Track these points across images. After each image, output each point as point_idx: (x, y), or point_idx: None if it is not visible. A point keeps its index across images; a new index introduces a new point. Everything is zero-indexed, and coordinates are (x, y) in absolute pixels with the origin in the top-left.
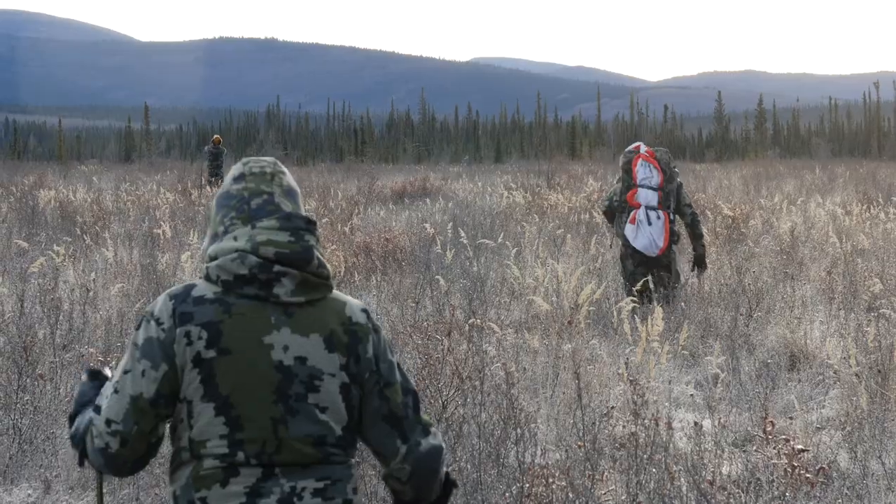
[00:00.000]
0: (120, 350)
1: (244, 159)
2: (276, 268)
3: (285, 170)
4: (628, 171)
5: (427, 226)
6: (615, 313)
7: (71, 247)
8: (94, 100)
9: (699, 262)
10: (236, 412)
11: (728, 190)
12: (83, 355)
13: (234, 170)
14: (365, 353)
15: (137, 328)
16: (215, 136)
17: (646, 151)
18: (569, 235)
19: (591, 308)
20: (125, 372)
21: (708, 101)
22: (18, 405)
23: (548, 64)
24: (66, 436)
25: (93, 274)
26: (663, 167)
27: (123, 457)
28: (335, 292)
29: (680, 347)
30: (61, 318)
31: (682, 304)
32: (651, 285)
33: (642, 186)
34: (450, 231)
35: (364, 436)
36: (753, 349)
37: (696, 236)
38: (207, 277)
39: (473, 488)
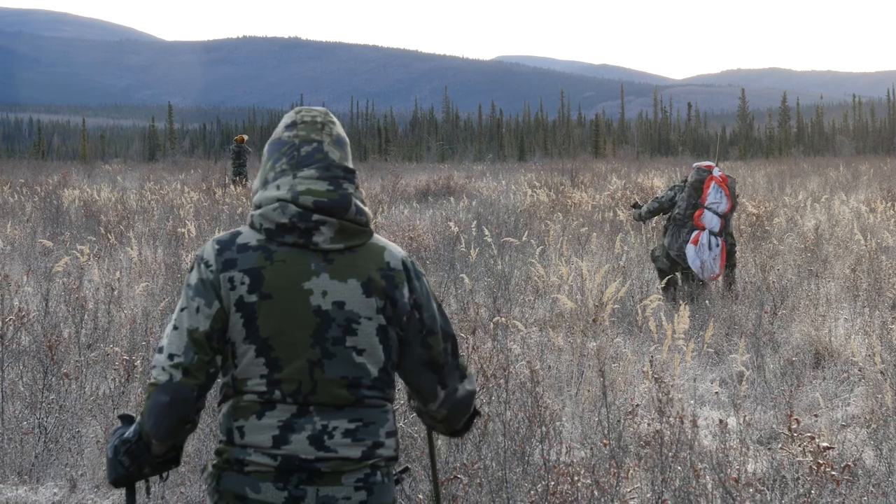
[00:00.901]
0: (145, 349)
1: (297, 108)
2: (315, 216)
3: (335, 120)
4: (699, 189)
5: (451, 224)
6: (639, 311)
7: (95, 246)
8: (118, 99)
9: (728, 287)
10: (275, 354)
11: (752, 187)
12: (108, 354)
13: (287, 118)
14: (402, 298)
15: (190, 271)
16: (240, 135)
17: (720, 175)
18: (593, 234)
19: (616, 306)
20: (182, 309)
21: (732, 99)
22: (44, 404)
23: (572, 62)
24: (90, 434)
25: (117, 273)
26: (732, 196)
27: (188, 387)
28: (376, 237)
29: (705, 345)
30: (86, 317)
31: (707, 301)
32: (678, 280)
33: (709, 209)
34: (474, 229)
35: (405, 378)
36: (778, 347)
37: (730, 265)
38: (252, 225)
39: (499, 486)
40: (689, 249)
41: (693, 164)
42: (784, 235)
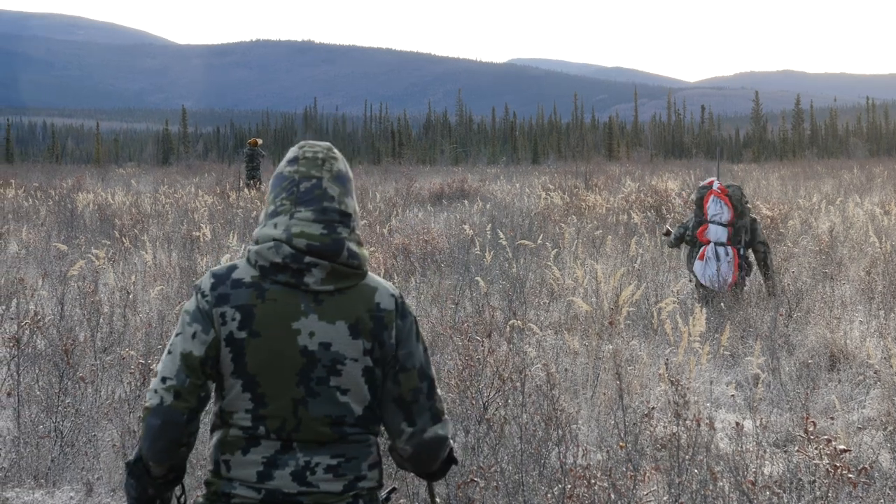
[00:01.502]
0: (160, 352)
1: (301, 142)
2: (307, 259)
3: (338, 155)
4: (700, 206)
5: (466, 227)
6: (655, 314)
7: (110, 250)
8: (131, 102)
9: (771, 294)
10: (261, 390)
11: (766, 190)
12: (123, 358)
13: (290, 152)
14: (389, 339)
15: (189, 298)
16: (253, 139)
17: (718, 188)
18: (608, 236)
19: (631, 309)
20: (177, 335)
21: (745, 102)
22: (60, 408)
23: (585, 65)
24: (106, 438)
25: (132, 277)
26: (734, 203)
27: (178, 410)
28: (370, 276)
29: (721, 348)
30: (101, 320)
31: (722, 304)
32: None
33: (713, 222)
34: (488, 232)
35: (379, 412)
36: (793, 349)
37: (766, 275)
38: (248, 260)
39: (515, 489)
40: (697, 266)
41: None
42: (798, 238)
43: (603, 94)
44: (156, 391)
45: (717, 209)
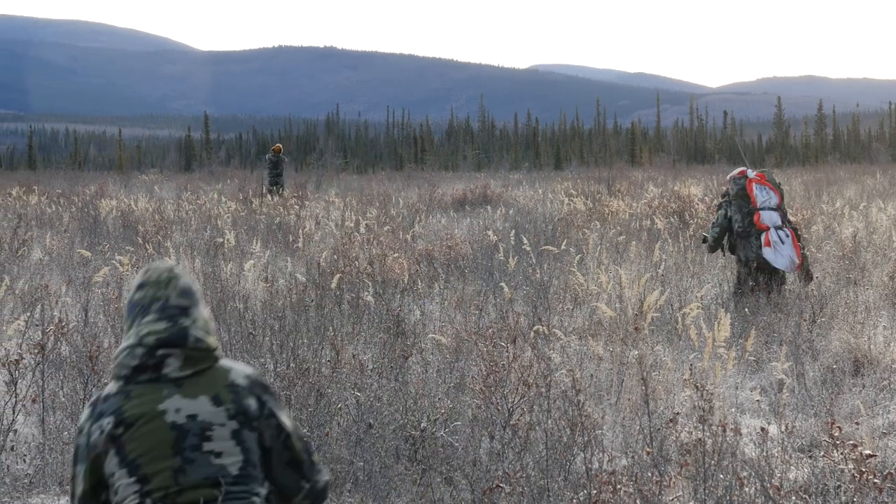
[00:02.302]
0: None
1: (145, 267)
2: (160, 351)
3: (180, 273)
4: (745, 196)
5: (489, 233)
6: (679, 319)
7: (133, 256)
8: (154, 109)
9: (805, 274)
10: (143, 471)
11: (789, 195)
12: None
13: (137, 278)
14: (250, 407)
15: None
16: (276, 145)
17: (756, 175)
18: (632, 242)
19: (655, 314)
20: (72, 478)
21: (768, 107)
22: None
23: (607, 70)
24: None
25: None
26: (776, 187)
27: None
28: (223, 361)
29: (746, 353)
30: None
31: (746, 310)
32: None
33: (763, 209)
34: (512, 238)
35: (271, 478)
36: (818, 355)
37: (802, 253)
38: (114, 377)
39: (540, 494)
40: (767, 253)
41: (727, 176)
42: (822, 243)
43: (625, 100)
44: None
45: (765, 195)
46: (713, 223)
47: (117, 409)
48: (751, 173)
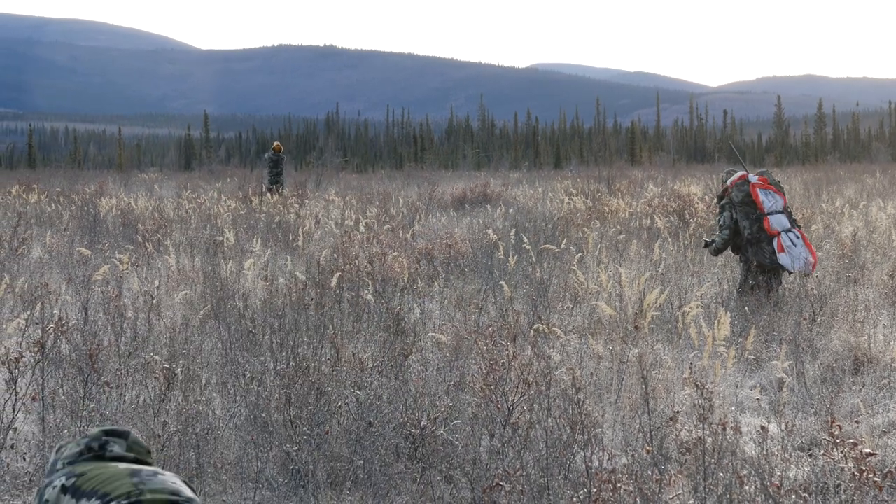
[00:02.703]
0: (185, 357)
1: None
2: None
3: None
4: (751, 203)
5: (489, 232)
6: (679, 318)
7: (133, 255)
8: (153, 108)
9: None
10: None
11: (789, 194)
12: (148, 362)
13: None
14: None
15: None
16: (276, 144)
17: (758, 179)
18: (633, 241)
19: (655, 313)
20: None
21: (768, 106)
22: (85, 413)
23: (607, 69)
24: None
25: (156, 281)
26: (779, 189)
27: None
28: None
29: (746, 352)
30: (125, 325)
31: (746, 308)
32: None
33: (771, 213)
34: (512, 237)
35: None
36: (817, 353)
37: None
38: None
39: (540, 493)
40: (784, 259)
41: (724, 176)
42: (822, 242)
43: (625, 99)
44: None
45: (771, 199)
46: (720, 225)
47: None
48: (752, 178)
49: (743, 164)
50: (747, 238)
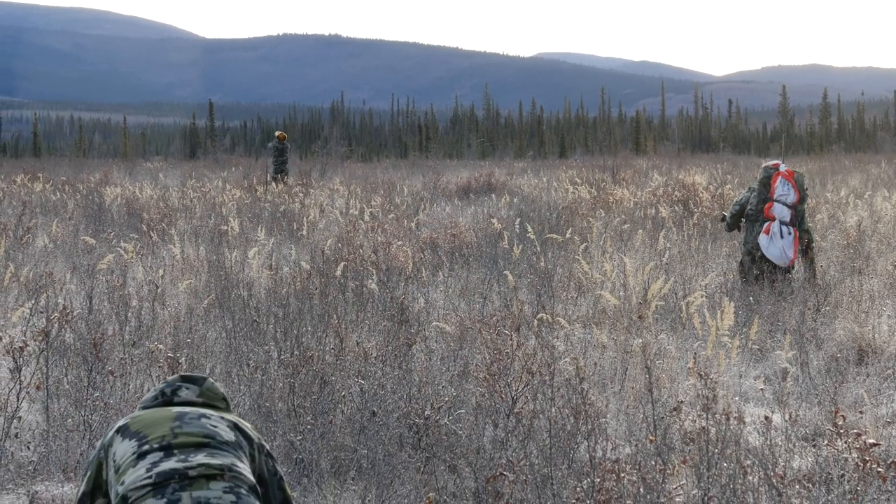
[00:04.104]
0: (189, 346)
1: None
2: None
3: None
4: (766, 184)
5: (494, 221)
6: (683, 308)
7: (138, 244)
8: (158, 97)
9: (812, 278)
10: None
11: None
12: (152, 351)
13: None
14: None
15: None
16: (280, 133)
17: (785, 170)
18: (639, 230)
19: (659, 303)
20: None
21: (772, 96)
22: (89, 402)
23: (612, 59)
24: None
25: (160, 270)
26: (800, 188)
27: None
28: None
29: (750, 342)
30: (130, 314)
31: (751, 298)
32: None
33: (778, 202)
34: (516, 226)
35: None
36: (822, 344)
37: (808, 260)
38: None
39: (544, 483)
40: (762, 239)
41: (762, 163)
42: (826, 232)
43: (630, 89)
44: None
45: (784, 190)
46: (735, 201)
47: None
48: (783, 167)
49: (782, 155)
50: (748, 212)
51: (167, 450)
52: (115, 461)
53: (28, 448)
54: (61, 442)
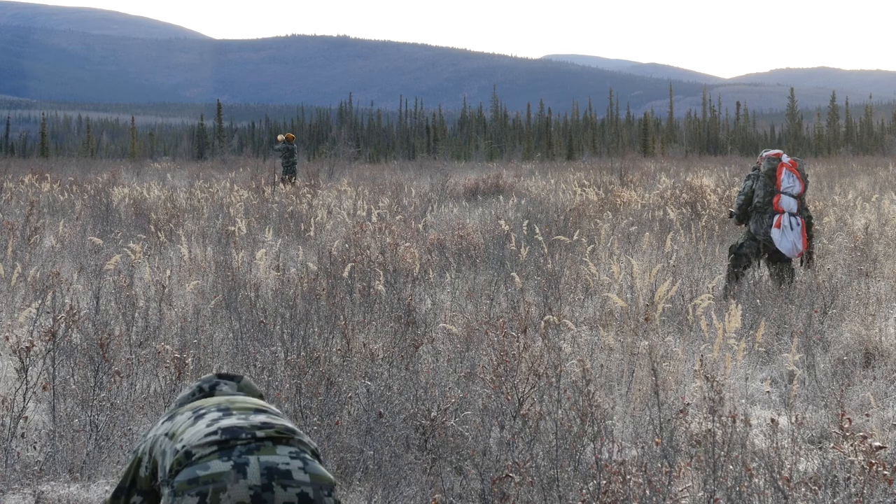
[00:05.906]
0: (196, 347)
1: None
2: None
3: None
4: (772, 177)
5: (501, 223)
6: (690, 310)
7: (145, 244)
8: (166, 97)
9: (807, 259)
10: None
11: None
12: (159, 352)
13: None
14: None
15: None
16: (288, 133)
17: (789, 161)
18: (646, 233)
19: (666, 305)
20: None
21: (781, 98)
22: (95, 402)
23: (620, 61)
24: (142, 432)
25: (168, 271)
26: (803, 178)
27: None
28: None
29: (756, 345)
30: (137, 314)
31: (758, 301)
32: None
33: (785, 193)
34: (524, 228)
35: None
36: (828, 346)
37: (808, 236)
38: None
39: (550, 484)
40: (775, 233)
41: (763, 153)
42: (834, 235)
43: (638, 91)
44: None
45: (790, 181)
46: (739, 192)
47: None
48: (785, 158)
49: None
50: (755, 205)
51: (226, 411)
52: (161, 446)
53: (34, 448)
54: (67, 442)
